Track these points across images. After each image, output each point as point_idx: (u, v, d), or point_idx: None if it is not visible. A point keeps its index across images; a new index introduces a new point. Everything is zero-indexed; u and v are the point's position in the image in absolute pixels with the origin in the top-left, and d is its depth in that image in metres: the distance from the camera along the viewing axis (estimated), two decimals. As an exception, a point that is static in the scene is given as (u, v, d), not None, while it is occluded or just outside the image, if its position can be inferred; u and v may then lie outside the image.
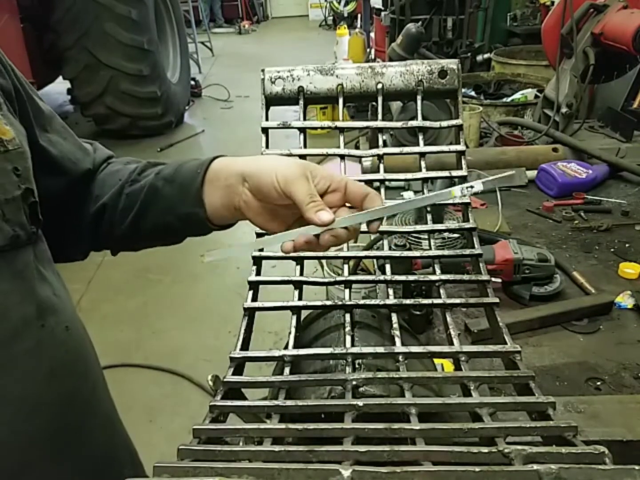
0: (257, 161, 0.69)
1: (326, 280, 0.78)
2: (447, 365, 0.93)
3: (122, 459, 0.84)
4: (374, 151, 0.85)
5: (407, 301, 0.75)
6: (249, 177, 0.67)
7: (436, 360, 0.78)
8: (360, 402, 0.57)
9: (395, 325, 0.72)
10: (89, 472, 0.74)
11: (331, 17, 12.18)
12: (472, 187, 0.63)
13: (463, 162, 0.84)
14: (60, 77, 5.56)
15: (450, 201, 0.82)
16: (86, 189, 0.80)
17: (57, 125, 0.78)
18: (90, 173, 0.81)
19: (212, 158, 0.73)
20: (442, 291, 0.76)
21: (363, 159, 1.63)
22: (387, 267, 0.79)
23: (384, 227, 0.82)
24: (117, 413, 0.84)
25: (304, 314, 0.81)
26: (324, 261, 2.45)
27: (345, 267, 0.79)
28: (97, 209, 0.79)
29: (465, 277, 0.79)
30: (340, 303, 0.75)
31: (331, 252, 0.92)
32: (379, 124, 0.87)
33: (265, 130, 0.86)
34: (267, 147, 0.85)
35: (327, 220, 0.61)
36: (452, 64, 0.85)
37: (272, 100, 0.87)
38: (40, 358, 0.64)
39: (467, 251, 0.80)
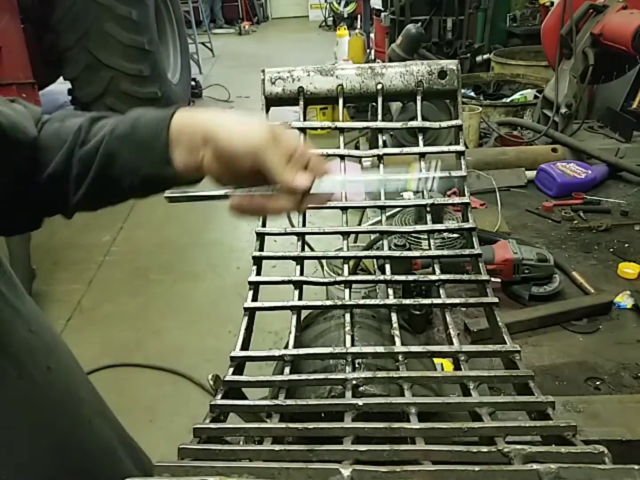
0: (222, 124, 0.63)
1: (326, 280, 0.78)
2: (447, 365, 0.94)
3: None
4: (374, 151, 0.86)
5: (407, 301, 0.75)
6: (213, 140, 0.62)
7: (436, 360, 0.79)
8: (360, 402, 0.58)
9: (395, 325, 0.72)
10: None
11: (331, 18, 12.18)
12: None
13: (462, 162, 0.84)
14: (61, 78, 5.56)
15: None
16: (34, 158, 0.69)
17: None
18: (35, 140, 0.68)
19: (172, 112, 0.65)
20: (441, 291, 0.76)
21: (363, 160, 1.62)
22: (387, 267, 0.79)
23: (383, 227, 0.82)
24: (117, 433, 0.83)
25: (304, 314, 0.81)
26: (324, 261, 2.44)
27: (345, 267, 0.79)
28: (46, 178, 0.68)
29: (465, 277, 0.79)
30: (340, 303, 0.75)
31: (331, 252, 0.92)
32: (379, 124, 0.87)
33: (265, 131, 0.86)
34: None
35: (304, 186, 0.59)
36: (451, 64, 0.85)
37: (272, 101, 0.87)
38: (20, 414, 0.60)
39: (467, 251, 0.80)
